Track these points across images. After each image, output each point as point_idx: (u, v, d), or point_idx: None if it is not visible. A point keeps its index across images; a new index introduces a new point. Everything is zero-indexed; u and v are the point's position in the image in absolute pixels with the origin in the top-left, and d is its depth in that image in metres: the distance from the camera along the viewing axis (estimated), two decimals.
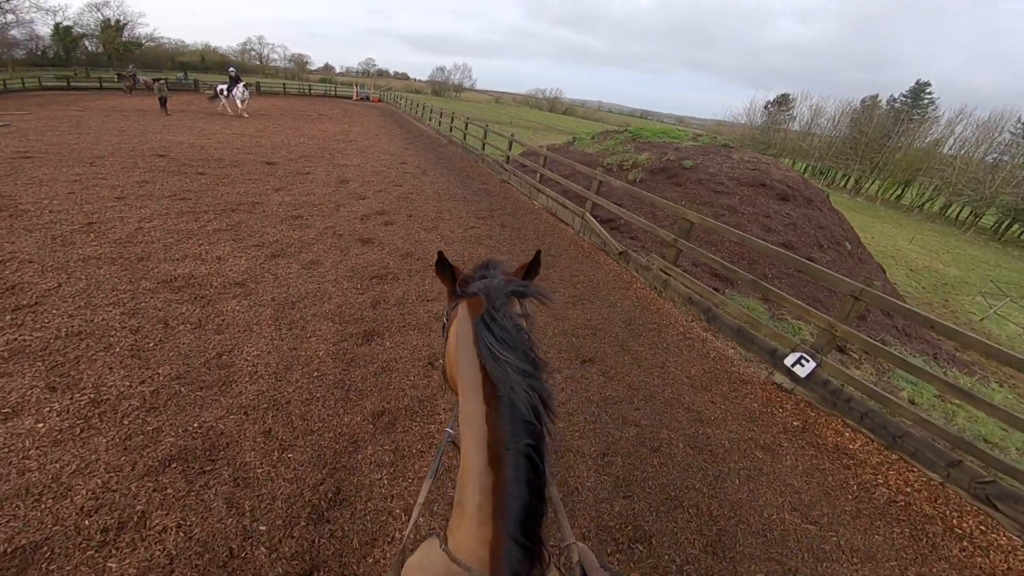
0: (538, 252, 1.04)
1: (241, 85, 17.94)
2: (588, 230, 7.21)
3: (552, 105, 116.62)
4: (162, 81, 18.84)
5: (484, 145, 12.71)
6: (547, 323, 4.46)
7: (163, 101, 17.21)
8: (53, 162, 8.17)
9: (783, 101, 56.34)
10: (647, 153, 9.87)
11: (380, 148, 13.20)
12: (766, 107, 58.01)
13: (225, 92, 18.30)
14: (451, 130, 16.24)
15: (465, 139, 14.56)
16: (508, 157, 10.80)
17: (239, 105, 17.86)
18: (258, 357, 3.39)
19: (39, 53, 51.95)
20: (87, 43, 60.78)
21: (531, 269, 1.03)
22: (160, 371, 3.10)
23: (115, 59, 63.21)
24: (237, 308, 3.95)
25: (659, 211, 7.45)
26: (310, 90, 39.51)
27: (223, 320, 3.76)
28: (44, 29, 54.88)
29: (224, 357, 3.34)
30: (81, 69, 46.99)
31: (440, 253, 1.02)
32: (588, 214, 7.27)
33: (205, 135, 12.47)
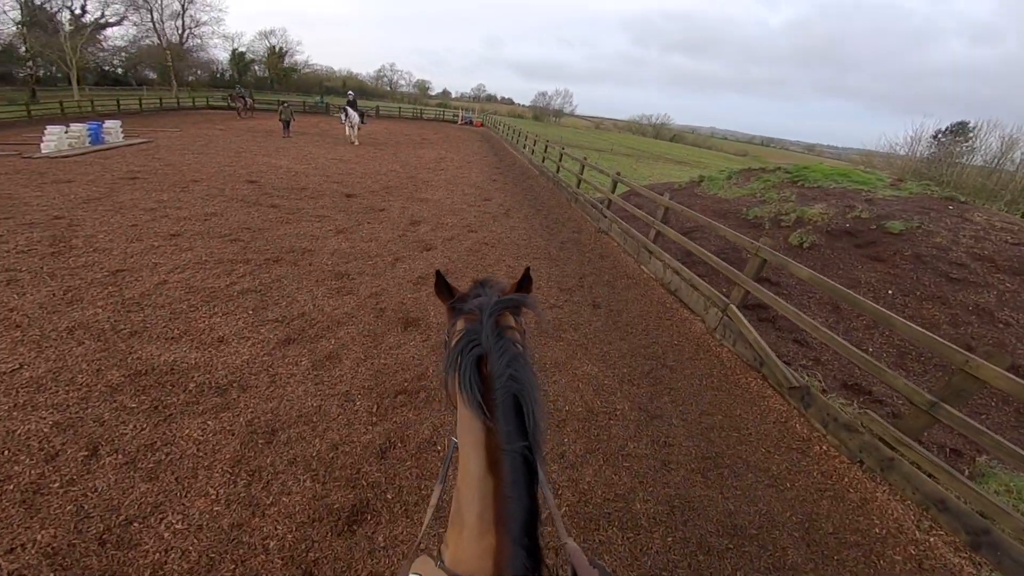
0: (527, 269, 1.06)
1: (351, 111, 16.75)
2: (731, 332, 4.72)
3: (658, 132, 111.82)
4: (286, 104, 18.80)
5: (580, 182, 11.11)
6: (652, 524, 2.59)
7: (286, 124, 17.62)
8: (151, 185, 8.36)
9: (959, 130, 46.37)
10: (820, 205, 7.01)
11: (467, 180, 12.33)
12: (935, 136, 48.08)
13: (345, 114, 18.06)
14: (544, 160, 14.87)
15: (559, 171, 12.90)
16: (610, 202, 8.82)
17: (348, 132, 17.14)
18: (173, 542, 2.11)
19: (218, 75, 62.92)
20: (256, 68, 72.62)
21: (521, 285, 1.04)
22: (39, 537, 1.97)
23: (276, 83, 74.85)
24: (197, 435, 2.77)
25: (862, 317, 4.76)
26: (421, 114, 41.85)
27: (166, 457, 2.59)
28: (223, 54, 66.82)
29: (131, 528, 2.12)
30: (249, 92, 55.93)
31: (438, 272, 1.05)
32: (736, 308, 4.74)
33: (307, 160, 12.71)
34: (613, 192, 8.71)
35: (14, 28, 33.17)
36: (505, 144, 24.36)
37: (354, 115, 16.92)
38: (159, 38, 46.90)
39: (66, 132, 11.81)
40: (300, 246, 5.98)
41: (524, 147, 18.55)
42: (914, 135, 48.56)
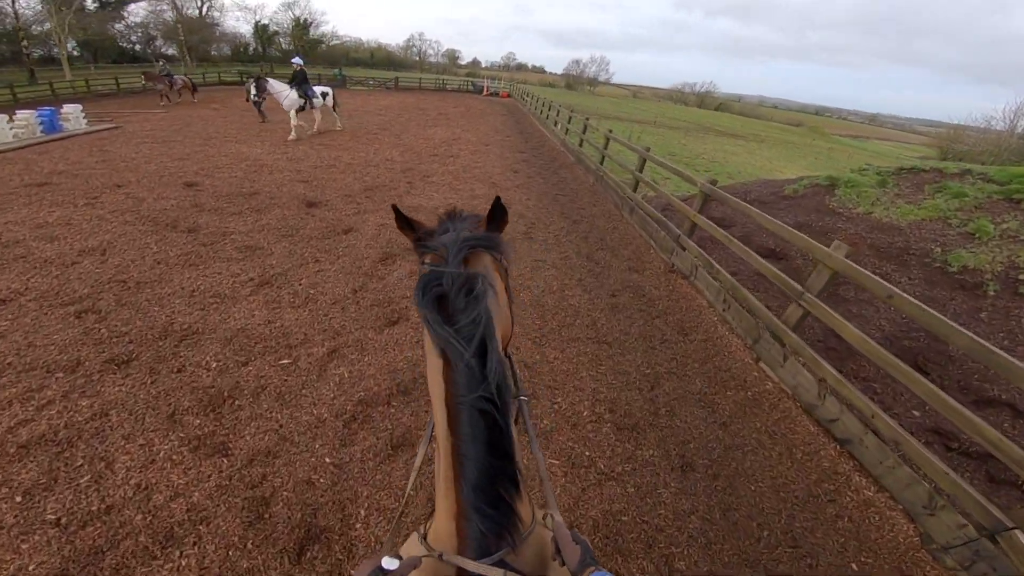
0: (496, 198, 0.89)
1: (292, 91, 10.98)
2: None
3: (702, 101, 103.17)
4: (253, 79, 12.25)
5: (637, 185, 7.42)
6: None
7: (257, 105, 12.81)
8: (55, 196, 6.22)
9: None
10: None
11: (480, 171, 9.59)
12: None
13: (256, 94, 12.06)
14: (581, 143, 11.52)
15: (603, 162, 9.32)
16: (693, 226, 5.48)
17: (293, 118, 11.05)
18: None
19: (241, 49, 61.28)
20: (280, 40, 70.56)
21: (492, 218, 0.89)
22: None
23: (302, 55, 72.72)
24: None
25: None
26: (444, 85, 38.63)
27: None
28: (245, 27, 64.99)
29: None
30: (267, 65, 54.07)
31: (394, 207, 0.92)
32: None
33: (283, 147, 10.32)
34: (699, 211, 5.35)
35: (37, 7, 32.06)
36: (533, 119, 21.13)
37: (293, 94, 11.06)
38: (174, 11, 45.27)
39: (9, 121, 9.91)
40: (182, 323, 3.62)
41: (556, 124, 15.28)
42: (1014, 109, 40.49)
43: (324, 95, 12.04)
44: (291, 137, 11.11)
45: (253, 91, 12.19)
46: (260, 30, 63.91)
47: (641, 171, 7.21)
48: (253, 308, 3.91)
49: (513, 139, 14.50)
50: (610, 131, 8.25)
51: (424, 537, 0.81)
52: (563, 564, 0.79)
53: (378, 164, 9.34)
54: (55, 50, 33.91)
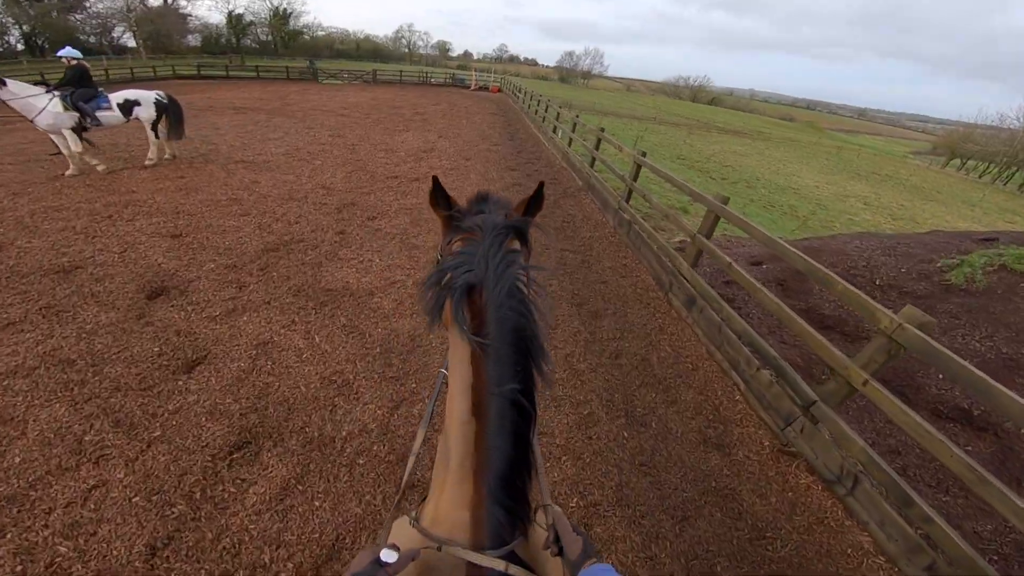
0: (541, 184, 0.89)
1: (51, 101, 6.14)
2: None
3: (696, 94, 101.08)
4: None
5: (699, 257, 5.01)
6: None
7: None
8: None
9: None
10: None
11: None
12: None
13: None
14: (593, 163, 8.22)
15: (630, 199, 6.16)
16: (852, 392, 2.75)
17: (70, 143, 6.41)
18: None
19: (213, 41, 57.28)
20: (258, 31, 66.49)
21: (531, 204, 0.89)
22: None
23: (283, 47, 68.89)
24: None
25: None
26: (428, 78, 35.47)
27: None
28: (218, 16, 60.91)
29: None
30: (238, 57, 50.41)
31: (435, 179, 0.88)
32: None
33: (175, 172, 7.41)
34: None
35: None
36: (526, 120, 18.25)
37: (50, 109, 6.16)
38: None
39: None
40: None
41: (557, 132, 12.26)
42: None
43: (131, 107, 6.94)
44: (69, 172, 6.52)
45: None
46: (234, 20, 59.81)
47: (709, 236, 4.02)
48: None
49: (502, 148, 11.62)
50: (643, 154, 5.42)
51: (416, 521, 0.78)
52: (556, 554, 0.78)
53: (305, 196, 6.48)
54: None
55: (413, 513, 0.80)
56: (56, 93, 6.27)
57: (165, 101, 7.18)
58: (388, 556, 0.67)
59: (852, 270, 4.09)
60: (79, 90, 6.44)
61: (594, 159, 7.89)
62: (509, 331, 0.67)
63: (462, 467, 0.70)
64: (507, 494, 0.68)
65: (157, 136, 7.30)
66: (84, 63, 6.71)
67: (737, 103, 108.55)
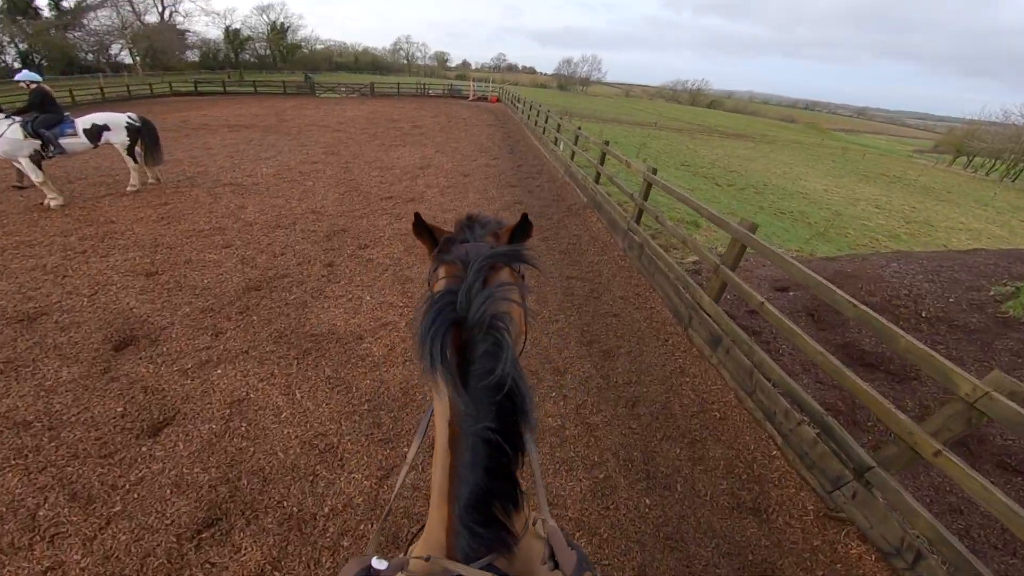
0: (524, 216, 0.88)
1: (9, 127, 5.73)
2: None
3: (694, 98, 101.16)
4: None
5: (722, 291, 4.59)
6: None
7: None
8: None
9: None
10: None
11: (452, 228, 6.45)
12: None
13: None
14: (598, 178, 7.67)
15: (640, 219, 5.65)
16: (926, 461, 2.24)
17: (32, 173, 5.98)
18: None
19: (211, 56, 57.70)
20: (256, 45, 67.05)
21: (517, 231, 0.87)
22: None
23: (281, 61, 69.44)
24: None
25: None
26: (426, 89, 35.41)
27: None
28: (215, 32, 61.42)
29: None
30: (236, 72, 50.68)
31: (417, 215, 0.91)
32: None
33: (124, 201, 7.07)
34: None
35: None
36: (526, 131, 17.98)
37: (8, 135, 5.76)
38: (120, 17, 41.66)
39: None
40: None
41: (558, 143, 11.89)
42: None
43: (99, 132, 6.47)
44: (51, 202, 6.16)
45: None
46: (231, 35, 60.28)
47: (735, 267, 3.57)
48: None
49: (501, 162, 11.27)
50: (653, 171, 5.00)
51: (410, 543, 0.84)
52: (553, 568, 0.79)
53: (294, 222, 6.11)
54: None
55: (410, 548, 0.84)
56: (16, 119, 5.87)
57: (138, 124, 6.83)
58: (379, 564, 0.71)
59: (894, 300, 3.66)
60: (42, 116, 6.03)
61: (599, 174, 7.48)
62: (487, 372, 0.68)
63: (440, 493, 0.73)
64: (475, 520, 0.70)
65: (136, 161, 6.96)
66: (45, 87, 6.28)
67: (737, 105, 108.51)
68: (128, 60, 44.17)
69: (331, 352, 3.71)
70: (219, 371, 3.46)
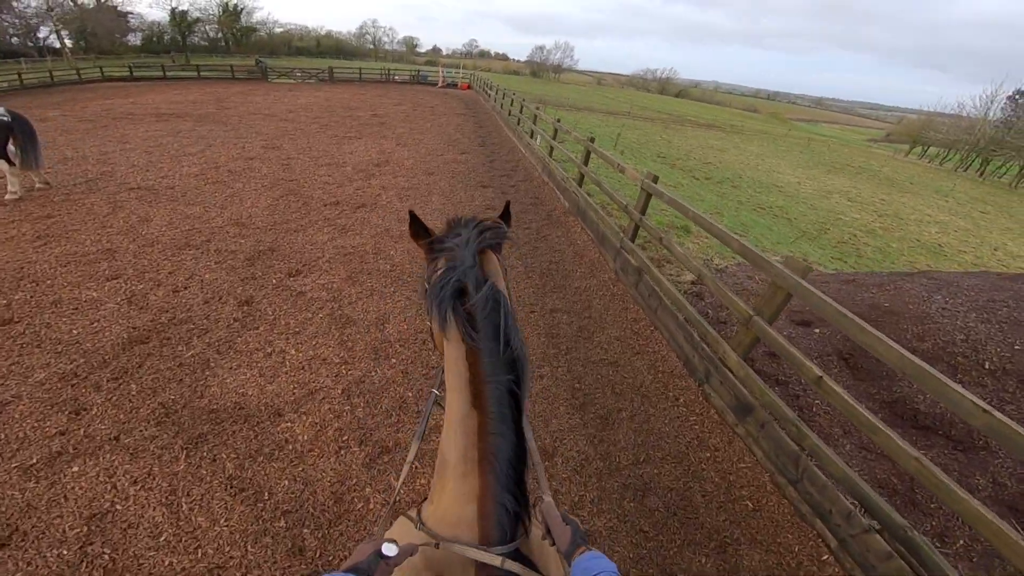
0: (507, 203, 1.08)
1: None
2: None
3: (663, 87, 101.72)
4: None
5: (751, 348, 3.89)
6: None
7: None
8: None
9: None
10: None
11: (386, 261, 5.34)
12: (1012, 98, 40.18)
13: None
14: (581, 181, 6.76)
15: (636, 237, 4.80)
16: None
17: None
18: None
19: (155, 40, 52.95)
20: (206, 28, 62.03)
21: (500, 219, 0.99)
22: None
23: (233, 45, 64.54)
24: None
25: None
26: (390, 75, 33.40)
27: None
28: (161, 13, 56.37)
29: None
30: (182, 56, 46.69)
31: (412, 213, 0.97)
32: None
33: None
34: None
35: None
36: (499, 121, 16.84)
37: None
38: None
39: None
40: None
41: (535, 137, 10.73)
42: (988, 95, 40.69)
43: None
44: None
45: None
46: (178, 17, 55.31)
47: (774, 320, 2.67)
48: None
49: (472, 157, 10.17)
50: (655, 179, 4.04)
51: (420, 522, 0.79)
52: (552, 543, 0.79)
53: (208, 240, 4.91)
54: None
55: (414, 513, 0.81)
56: None
57: (7, 119, 5.41)
58: (389, 550, 0.70)
59: (950, 347, 2.96)
60: None
61: (583, 176, 6.55)
62: (493, 329, 0.75)
63: (465, 460, 0.72)
64: (514, 481, 0.70)
65: (11, 163, 5.55)
66: None
67: (703, 95, 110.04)
68: (58, 44, 39.70)
69: (236, 437, 2.71)
70: (75, 468, 2.46)
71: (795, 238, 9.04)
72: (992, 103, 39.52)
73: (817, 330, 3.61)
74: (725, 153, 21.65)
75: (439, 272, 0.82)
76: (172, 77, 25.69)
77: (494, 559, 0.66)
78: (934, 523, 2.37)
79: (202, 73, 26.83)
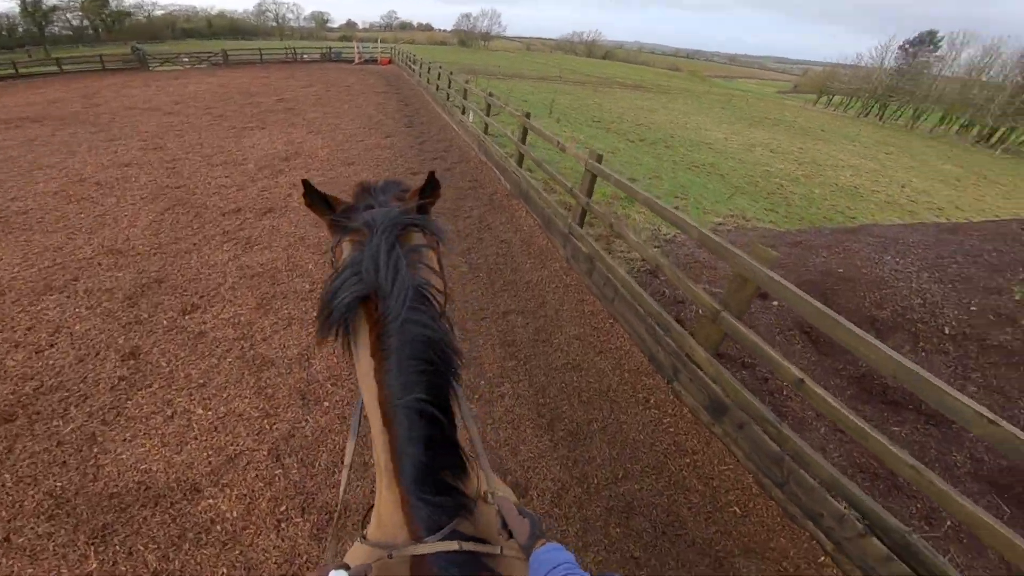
0: (431, 173, 0.80)
1: None
2: None
3: (590, 50, 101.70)
4: None
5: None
6: None
7: None
8: None
9: (928, 40, 42.91)
10: None
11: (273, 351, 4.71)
12: (903, 48, 44.03)
13: None
14: (521, 161, 6.33)
15: (583, 221, 4.45)
16: None
17: None
18: None
19: (4, 34, 44.43)
20: (68, 16, 52.90)
21: (425, 190, 0.80)
22: None
23: (104, 32, 55.60)
24: None
25: None
26: (297, 55, 30.24)
27: None
28: (9, 4, 47.26)
29: None
30: (39, 49, 39.66)
31: (305, 182, 0.78)
32: None
33: None
34: None
35: None
36: (427, 97, 15.66)
37: None
38: None
39: None
40: None
41: (466, 113, 9.81)
42: (882, 46, 44.24)
43: None
44: None
45: None
46: (30, 7, 46.37)
47: (742, 314, 2.40)
48: None
49: (399, 141, 9.27)
50: (599, 158, 3.65)
51: (364, 537, 0.77)
52: (509, 537, 0.78)
53: (75, 278, 3.91)
54: None
55: (363, 531, 0.79)
56: None
57: None
58: (337, 575, 0.67)
59: (908, 313, 2.91)
60: None
61: (523, 156, 6.03)
62: (409, 341, 0.65)
63: (387, 473, 0.70)
64: (427, 491, 0.67)
65: None
66: None
67: (628, 56, 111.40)
68: None
69: (150, 523, 2.11)
70: None
71: (730, 194, 9.19)
72: (887, 53, 43.14)
73: (776, 302, 3.49)
74: (655, 114, 21.86)
75: (338, 269, 0.71)
76: (27, 74, 21.56)
77: (437, 545, 0.65)
78: (919, 505, 2.30)
79: (64, 67, 22.72)
